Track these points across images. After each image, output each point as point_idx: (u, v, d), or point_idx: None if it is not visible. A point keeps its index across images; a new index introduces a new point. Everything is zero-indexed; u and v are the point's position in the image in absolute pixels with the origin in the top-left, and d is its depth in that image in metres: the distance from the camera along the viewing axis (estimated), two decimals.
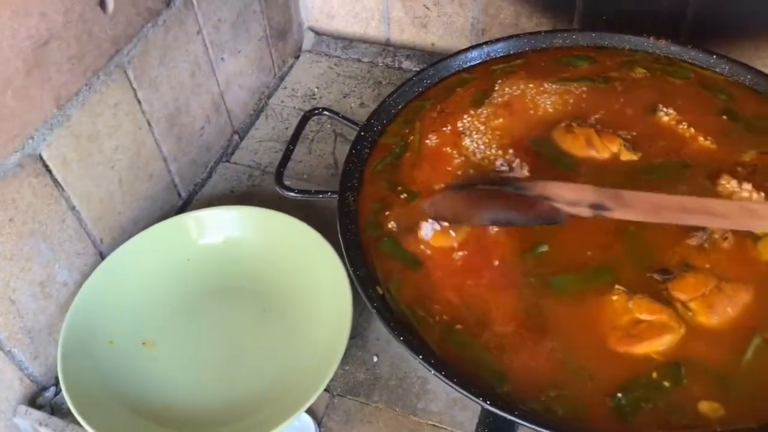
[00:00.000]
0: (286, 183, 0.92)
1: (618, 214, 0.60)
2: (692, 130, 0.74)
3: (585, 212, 0.61)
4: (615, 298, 0.60)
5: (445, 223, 0.65)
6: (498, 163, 0.73)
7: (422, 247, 0.66)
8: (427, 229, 0.65)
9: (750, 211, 0.61)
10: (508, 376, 0.57)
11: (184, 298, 0.79)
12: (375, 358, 0.76)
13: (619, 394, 0.56)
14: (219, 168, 0.98)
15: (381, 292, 0.63)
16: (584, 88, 0.80)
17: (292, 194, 0.74)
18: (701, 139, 0.73)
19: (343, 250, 0.66)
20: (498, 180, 0.70)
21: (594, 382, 0.56)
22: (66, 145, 0.70)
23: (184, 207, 0.93)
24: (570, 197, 0.61)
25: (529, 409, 0.54)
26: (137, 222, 0.84)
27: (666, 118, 0.75)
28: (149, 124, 0.82)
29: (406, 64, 1.12)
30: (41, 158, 0.68)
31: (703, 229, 0.65)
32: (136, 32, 0.76)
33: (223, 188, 0.96)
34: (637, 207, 0.60)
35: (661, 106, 0.76)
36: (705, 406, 0.55)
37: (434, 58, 1.10)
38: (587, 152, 0.73)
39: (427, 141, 0.77)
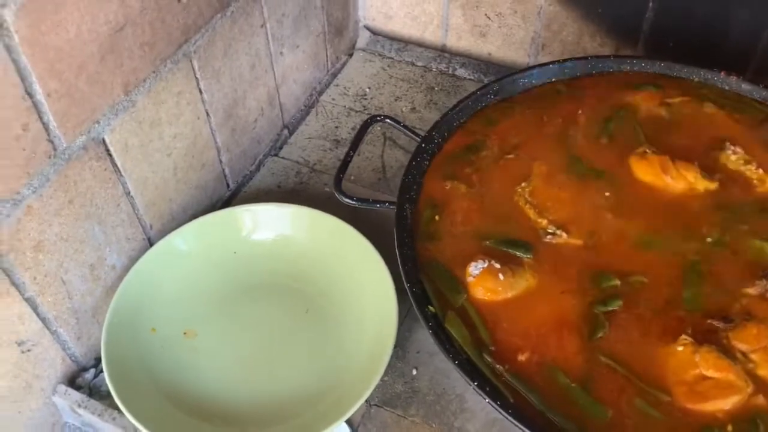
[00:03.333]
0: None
1: None
2: (761, 171, 0.72)
3: None
4: (680, 348, 0.59)
5: (497, 264, 0.64)
6: None
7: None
8: (475, 268, 0.64)
9: None
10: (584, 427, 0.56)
11: (228, 291, 0.79)
12: (414, 371, 0.75)
13: None
14: (267, 162, 0.98)
15: (434, 311, 0.62)
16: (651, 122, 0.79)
17: (350, 202, 0.73)
18: None
19: (399, 265, 0.65)
20: None
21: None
22: (129, 130, 0.70)
23: (232, 198, 0.93)
24: None
25: None
26: (186, 210, 0.84)
27: (734, 158, 0.74)
28: (207, 114, 0.82)
29: (461, 72, 1.11)
30: (104, 142, 0.68)
31: (765, 277, 0.64)
32: (205, 22, 0.76)
33: (270, 183, 0.95)
34: None
35: (728, 144, 0.75)
36: None
37: (489, 68, 1.10)
38: (661, 180, 0.72)
39: (508, 155, 0.77)
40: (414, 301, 0.62)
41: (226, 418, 0.70)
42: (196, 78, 0.78)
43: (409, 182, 0.73)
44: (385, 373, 0.75)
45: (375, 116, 0.82)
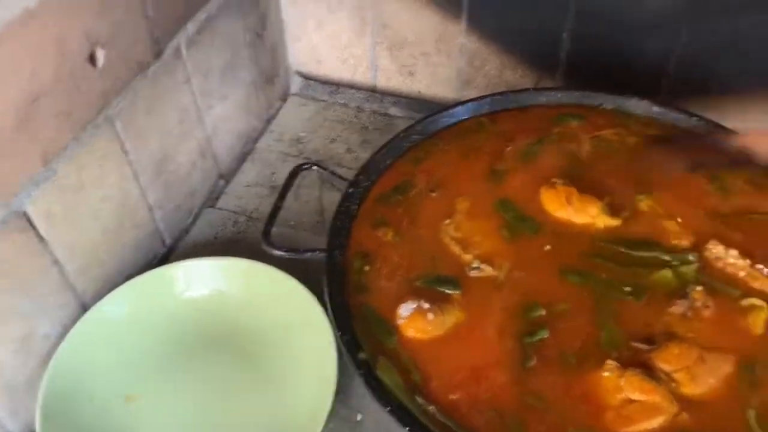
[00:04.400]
0: (273, 231, 0.92)
1: None
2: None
3: None
4: (606, 374, 0.60)
5: (426, 305, 0.65)
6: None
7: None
8: (405, 309, 0.65)
9: None
10: None
11: (168, 352, 0.78)
12: (359, 416, 0.75)
13: None
14: (204, 213, 0.98)
15: (365, 357, 0.63)
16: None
17: (280, 253, 0.74)
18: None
19: (330, 313, 0.65)
20: (699, 135, 0.75)
21: None
22: (51, 199, 0.70)
23: (169, 254, 0.92)
24: None
25: None
26: (121, 271, 0.83)
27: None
28: (135, 174, 0.82)
29: (393, 111, 1.13)
30: (26, 214, 0.67)
31: (685, 297, 0.66)
32: (124, 85, 0.76)
33: (207, 235, 0.95)
34: None
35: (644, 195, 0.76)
36: None
37: (421, 106, 1.12)
38: (565, 212, 0.74)
39: (432, 193, 0.79)
40: (345, 349, 0.63)
41: None
42: (120, 140, 0.78)
43: (338, 228, 0.73)
44: (330, 420, 0.74)
45: (301, 165, 0.82)
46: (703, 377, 0.60)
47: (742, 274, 0.68)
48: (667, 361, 0.61)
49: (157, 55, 0.81)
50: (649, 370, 0.61)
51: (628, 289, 0.67)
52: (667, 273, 0.67)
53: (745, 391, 0.60)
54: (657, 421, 0.58)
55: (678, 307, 0.65)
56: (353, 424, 0.75)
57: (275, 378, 0.76)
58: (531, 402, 0.60)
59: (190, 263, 0.81)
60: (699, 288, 0.66)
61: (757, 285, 0.67)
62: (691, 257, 0.69)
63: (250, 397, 0.75)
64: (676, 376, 0.60)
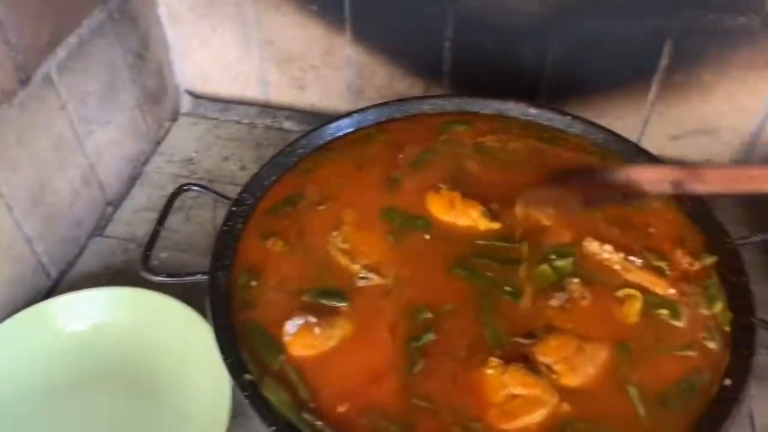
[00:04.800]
0: (162, 255, 0.90)
1: (698, 189, 0.68)
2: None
3: (667, 189, 0.69)
4: (490, 372, 0.61)
5: (313, 319, 0.65)
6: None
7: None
8: (292, 326, 0.65)
9: None
10: None
11: (53, 390, 0.75)
12: None
13: None
14: (91, 243, 0.94)
15: (252, 378, 0.62)
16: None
17: (159, 278, 0.71)
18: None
19: (214, 336, 0.64)
20: (587, 171, 0.77)
21: None
22: None
23: (55, 288, 0.88)
24: (653, 178, 0.70)
25: None
26: (2, 309, 0.79)
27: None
28: (8, 207, 0.78)
29: (287, 125, 1.13)
30: None
31: (563, 289, 0.68)
32: None
33: (96, 265, 0.92)
34: (713, 182, 0.67)
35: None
36: None
37: (315, 119, 1.12)
38: (449, 215, 0.75)
39: (319, 206, 0.78)
40: (229, 372, 0.62)
41: None
42: None
43: (221, 249, 0.72)
44: None
45: (181, 187, 0.80)
46: (582, 367, 0.62)
47: (617, 267, 0.71)
48: (546, 353, 0.63)
49: (24, 82, 0.77)
50: (531, 364, 0.62)
51: (508, 288, 0.68)
52: (545, 268, 0.70)
53: (624, 371, 0.63)
54: (539, 414, 0.59)
55: (556, 300, 0.67)
56: None
57: (169, 406, 0.74)
58: (420, 405, 0.61)
59: (69, 296, 0.78)
60: (576, 280, 0.69)
61: (631, 277, 0.70)
62: (567, 252, 0.71)
63: (144, 428, 0.72)
64: (556, 367, 0.62)
